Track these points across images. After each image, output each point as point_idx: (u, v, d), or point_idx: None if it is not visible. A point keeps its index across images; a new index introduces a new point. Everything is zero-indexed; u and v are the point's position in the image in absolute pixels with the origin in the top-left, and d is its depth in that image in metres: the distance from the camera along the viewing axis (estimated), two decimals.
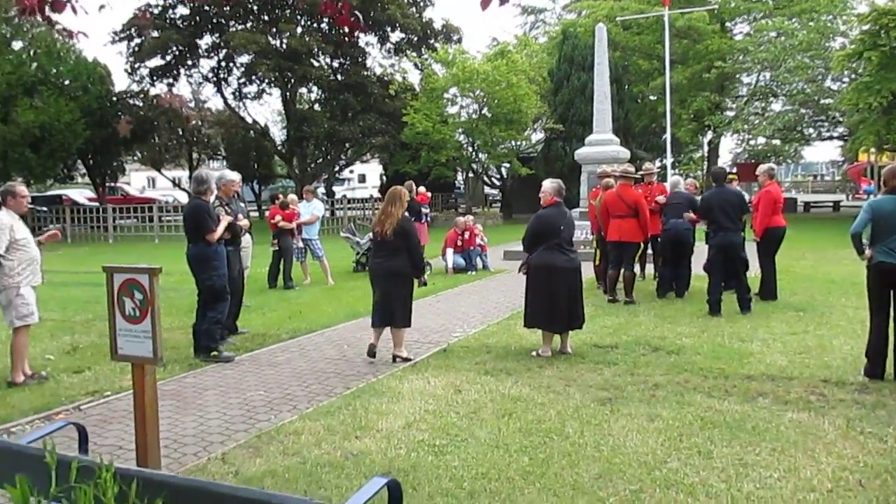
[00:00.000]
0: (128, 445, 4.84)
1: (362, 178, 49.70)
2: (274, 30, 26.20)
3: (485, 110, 25.23)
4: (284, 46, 25.97)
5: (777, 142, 33.74)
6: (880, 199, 5.89)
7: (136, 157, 34.65)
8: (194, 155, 34.69)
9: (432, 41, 29.02)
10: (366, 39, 28.94)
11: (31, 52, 26.01)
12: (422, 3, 28.28)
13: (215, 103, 33.72)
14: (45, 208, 28.20)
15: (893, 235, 5.73)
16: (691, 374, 6.26)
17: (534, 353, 7.06)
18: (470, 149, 26.80)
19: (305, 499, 2.00)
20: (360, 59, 29.23)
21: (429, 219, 14.69)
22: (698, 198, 10.20)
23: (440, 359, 7.05)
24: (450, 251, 13.41)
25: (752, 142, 34.04)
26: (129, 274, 3.95)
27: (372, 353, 6.98)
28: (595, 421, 5.09)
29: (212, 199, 7.51)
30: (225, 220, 7.42)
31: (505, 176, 31.70)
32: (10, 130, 23.10)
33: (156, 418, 4.07)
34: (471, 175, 28.97)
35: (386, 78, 28.98)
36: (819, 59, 24.86)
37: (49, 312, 10.09)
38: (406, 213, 7.00)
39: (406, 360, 6.91)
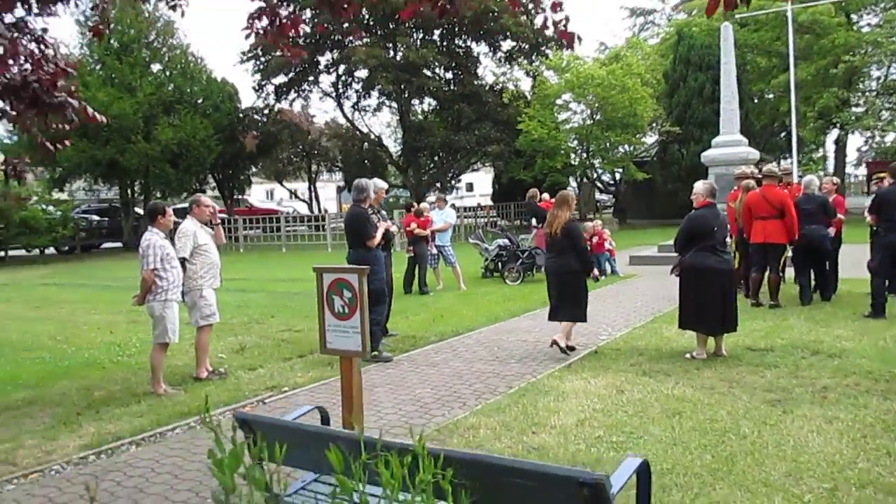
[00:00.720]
0: None
1: (470, 187, 50.19)
2: (390, 44, 27.04)
3: (598, 115, 25.05)
4: (401, 59, 26.78)
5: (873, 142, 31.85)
6: None
7: (257, 171, 36.33)
8: (313, 167, 36.18)
9: (544, 48, 29.12)
10: (478, 49, 29.43)
11: (168, 74, 27.91)
12: (533, 11, 28.36)
13: (329, 117, 35.05)
14: (180, 220, 30.18)
15: None
16: (860, 376, 6.09)
17: (687, 356, 7.05)
18: (584, 154, 26.66)
19: (586, 471, 2.18)
20: (472, 70, 29.70)
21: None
22: (832, 198, 9.86)
23: (593, 360, 7.17)
24: None
25: (878, 139, 32.18)
26: (338, 274, 4.31)
27: (558, 346, 7.40)
28: (770, 421, 5.07)
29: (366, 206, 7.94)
30: (382, 227, 7.82)
31: (617, 181, 31.33)
32: (152, 147, 24.90)
33: (361, 407, 4.42)
34: (584, 181, 28.81)
35: (498, 87, 29.33)
36: None
37: None
38: (571, 215, 7.31)
39: (563, 349, 7.22)
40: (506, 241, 14.13)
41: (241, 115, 30.35)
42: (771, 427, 4.97)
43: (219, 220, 7.53)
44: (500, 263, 14.05)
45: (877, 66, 27.86)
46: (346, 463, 2.30)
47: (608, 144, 25.78)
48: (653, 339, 7.93)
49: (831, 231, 9.52)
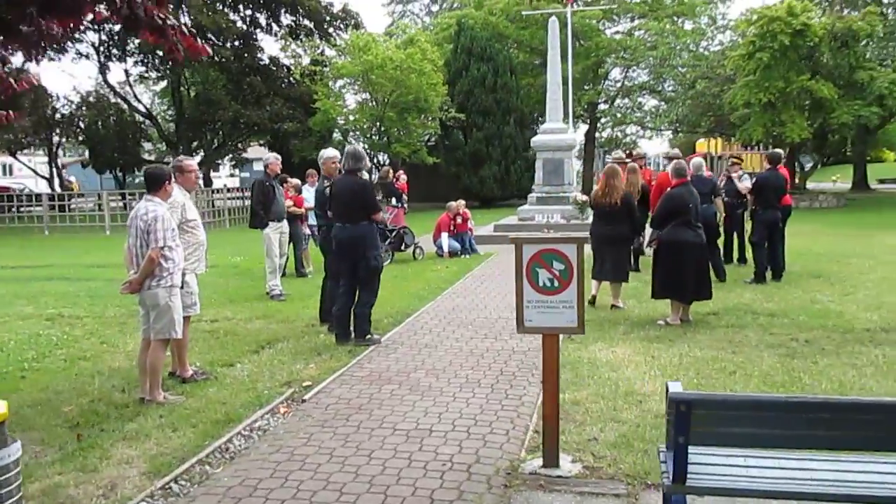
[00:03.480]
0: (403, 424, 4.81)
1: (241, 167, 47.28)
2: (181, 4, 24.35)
3: (392, 97, 25.20)
4: (192, 23, 24.34)
5: (618, 133, 36.86)
6: None
7: None
8: (55, 139, 31.34)
9: (326, 26, 28.48)
10: (261, 20, 27.82)
11: None
12: None
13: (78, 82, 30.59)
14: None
15: None
16: (823, 331, 7.07)
17: (660, 322, 7.60)
18: (377, 136, 26.65)
19: None
20: (254, 42, 27.99)
21: (406, 205, 14.71)
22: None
23: (588, 333, 7.35)
24: (444, 235, 13.58)
25: (604, 133, 36.86)
26: (544, 245, 4.02)
27: (592, 302, 8.41)
28: (811, 371, 5.74)
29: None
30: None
31: (389, 162, 31.81)
32: None
33: (558, 389, 4.20)
34: (377, 162, 28.81)
35: (286, 62, 28.10)
36: (699, 61, 27.50)
37: (51, 309, 9.30)
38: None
39: (619, 308, 8.24)
40: None
41: None
42: (817, 374, 5.64)
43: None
44: None
45: (632, 69, 31.68)
46: None
47: (404, 127, 26.11)
48: (611, 312, 8.30)
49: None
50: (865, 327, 7.21)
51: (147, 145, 32.72)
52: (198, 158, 29.05)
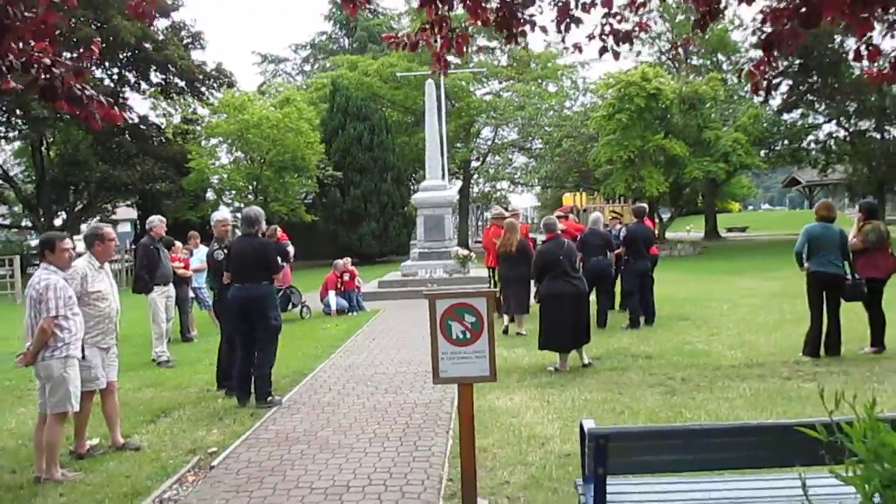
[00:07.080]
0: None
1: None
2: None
3: (270, 156, 25.08)
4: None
5: (488, 188, 38.51)
6: (813, 225, 8.01)
7: None
8: None
9: (199, 85, 28.11)
10: (130, 78, 27.03)
11: None
12: (192, 45, 27.24)
13: None
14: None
15: (822, 252, 7.87)
16: (697, 369, 7.74)
17: (550, 368, 8.01)
18: (252, 196, 26.29)
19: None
20: (123, 100, 27.05)
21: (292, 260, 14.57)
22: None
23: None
24: (332, 293, 13.61)
25: (477, 188, 38.31)
26: (456, 299, 4.30)
27: (505, 331, 10.33)
28: (689, 406, 6.30)
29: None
30: None
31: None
32: None
33: (473, 433, 4.41)
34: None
35: (157, 121, 27.34)
36: (564, 122, 29.39)
37: None
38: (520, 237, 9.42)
39: (522, 335, 9.92)
40: None
41: None
42: (695, 409, 6.20)
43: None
44: None
45: (502, 128, 33.21)
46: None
47: (283, 186, 25.95)
48: (505, 362, 8.60)
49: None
50: (731, 364, 7.95)
51: (2, 208, 30.69)
52: (59, 221, 27.56)
